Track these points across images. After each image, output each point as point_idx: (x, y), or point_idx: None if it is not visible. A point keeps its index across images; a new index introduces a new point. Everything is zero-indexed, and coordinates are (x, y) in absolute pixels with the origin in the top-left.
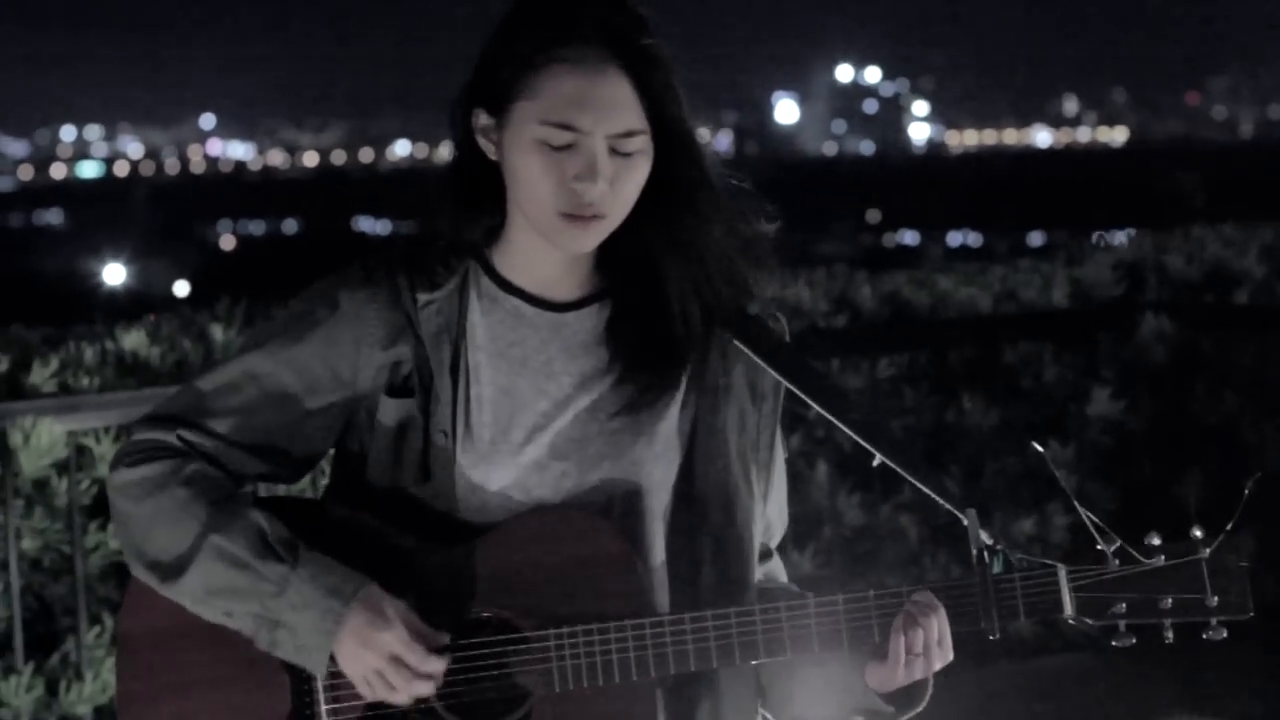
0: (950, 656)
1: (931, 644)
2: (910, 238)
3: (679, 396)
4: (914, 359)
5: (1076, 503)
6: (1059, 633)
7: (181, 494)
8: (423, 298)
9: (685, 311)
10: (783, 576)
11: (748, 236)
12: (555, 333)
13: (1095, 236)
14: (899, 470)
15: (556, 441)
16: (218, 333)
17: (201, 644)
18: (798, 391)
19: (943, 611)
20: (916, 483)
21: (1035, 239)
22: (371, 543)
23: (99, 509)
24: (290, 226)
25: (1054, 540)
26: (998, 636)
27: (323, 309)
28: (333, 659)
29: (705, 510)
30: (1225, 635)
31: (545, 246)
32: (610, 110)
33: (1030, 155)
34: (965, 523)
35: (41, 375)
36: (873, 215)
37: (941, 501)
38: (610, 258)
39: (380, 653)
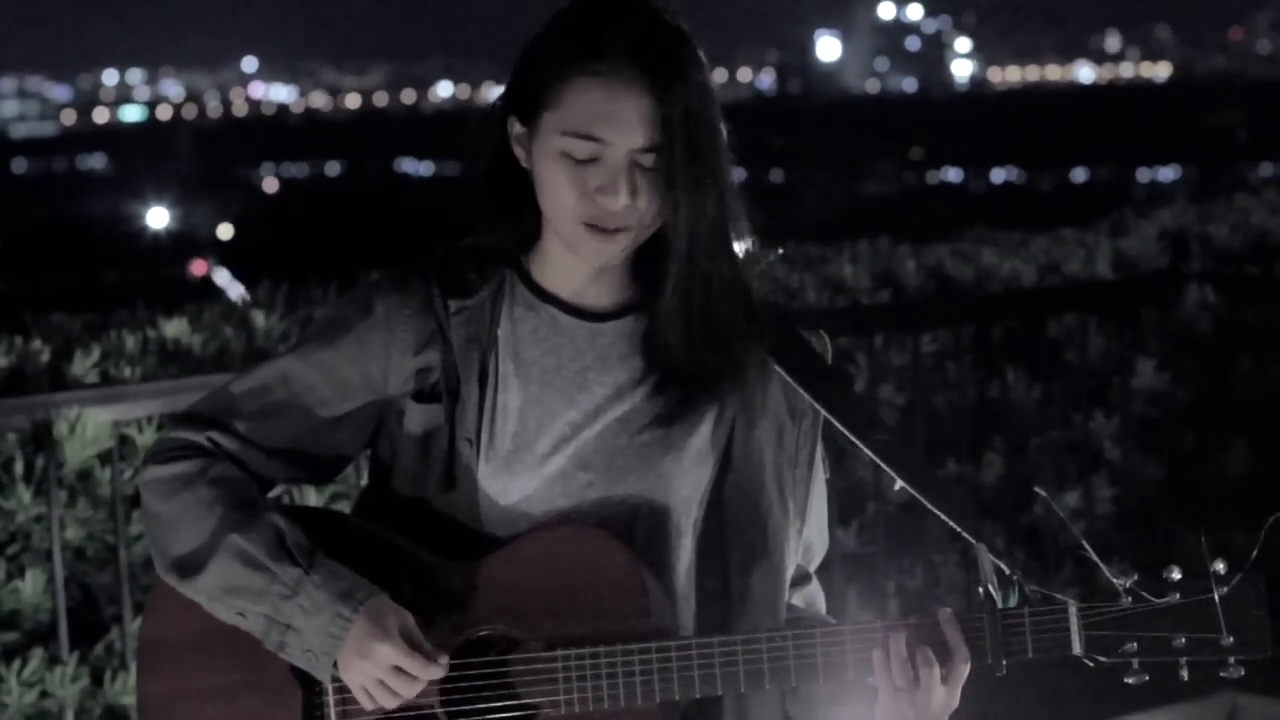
0: (954, 696)
1: (924, 685)
2: (954, 175)
3: (713, 411)
4: (958, 334)
5: (1084, 543)
6: None
7: (206, 493)
8: (454, 304)
9: (716, 325)
10: (822, 603)
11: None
12: (590, 342)
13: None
14: (919, 497)
15: (583, 452)
16: (260, 319)
17: (218, 653)
18: (826, 414)
19: (951, 651)
20: (936, 510)
21: (1079, 175)
22: (387, 555)
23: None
24: (333, 169)
25: (1099, 512)
26: (1004, 674)
27: (356, 314)
28: (336, 664)
29: (736, 527)
30: (1242, 674)
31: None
32: (632, 125)
33: (1073, 92)
34: (978, 557)
35: (83, 365)
36: (916, 153)
37: (959, 529)
38: (647, 267)
39: (378, 663)
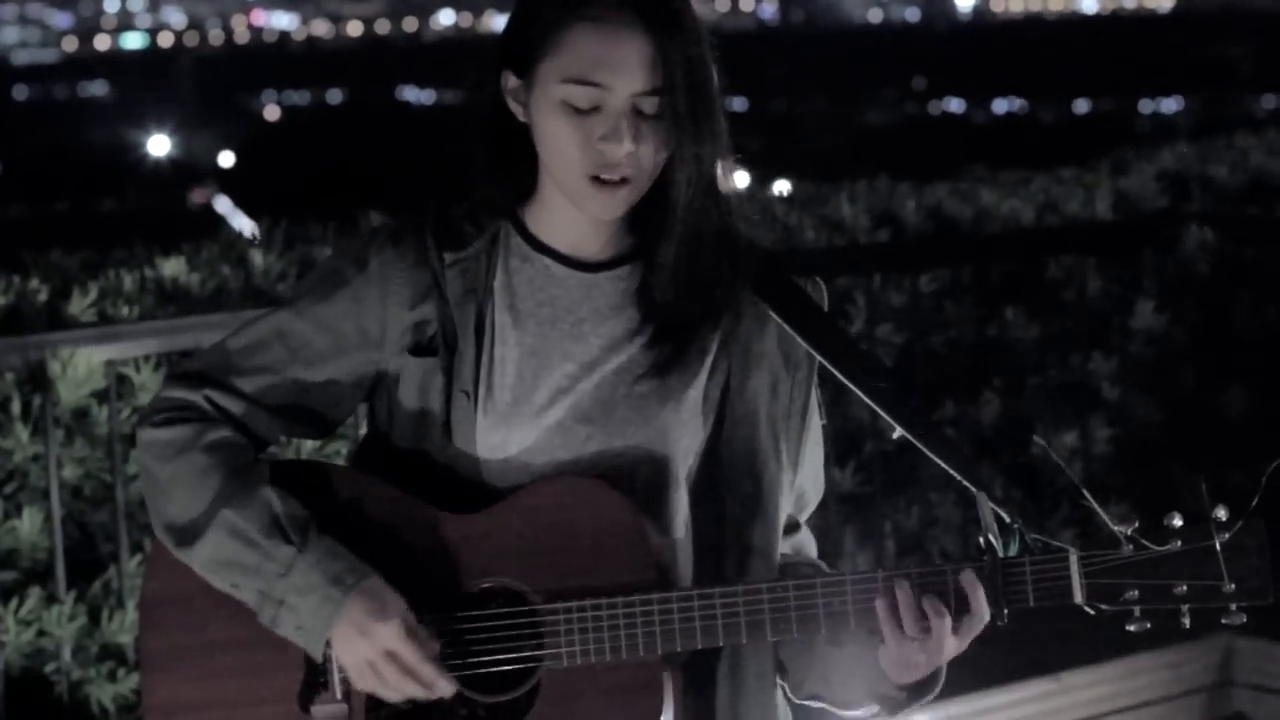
0: (964, 645)
1: (936, 634)
2: (956, 105)
3: (709, 361)
4: (956, 274)
5: (1085, 492)
6: None
7: (201, 461)
8: (449, 257)
9: (713, 274)
10: (812, 550)
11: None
12: (586, 293)
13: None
14: (918, 444)
15: (581, 404)
16: (257, 258)
17: (222, 606)
18: (824, 362)
19: (961, 598)
20: (935, 457)
21: (1081, 107)
22: (388, 509)
23: None
24: (335, 96)
25: (1097, 452)
26: (1005, 623)
27: (351, 268)
28: (329, 643)
29: (731, 478)
30: (1244, 620)
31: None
32: (633, 68)
33: (1075, 22)
34: (978, 506)
35: (80, 304)
36: (918, 83)
37: (959, 477)
38: (642, 218)
39: (374, 644)
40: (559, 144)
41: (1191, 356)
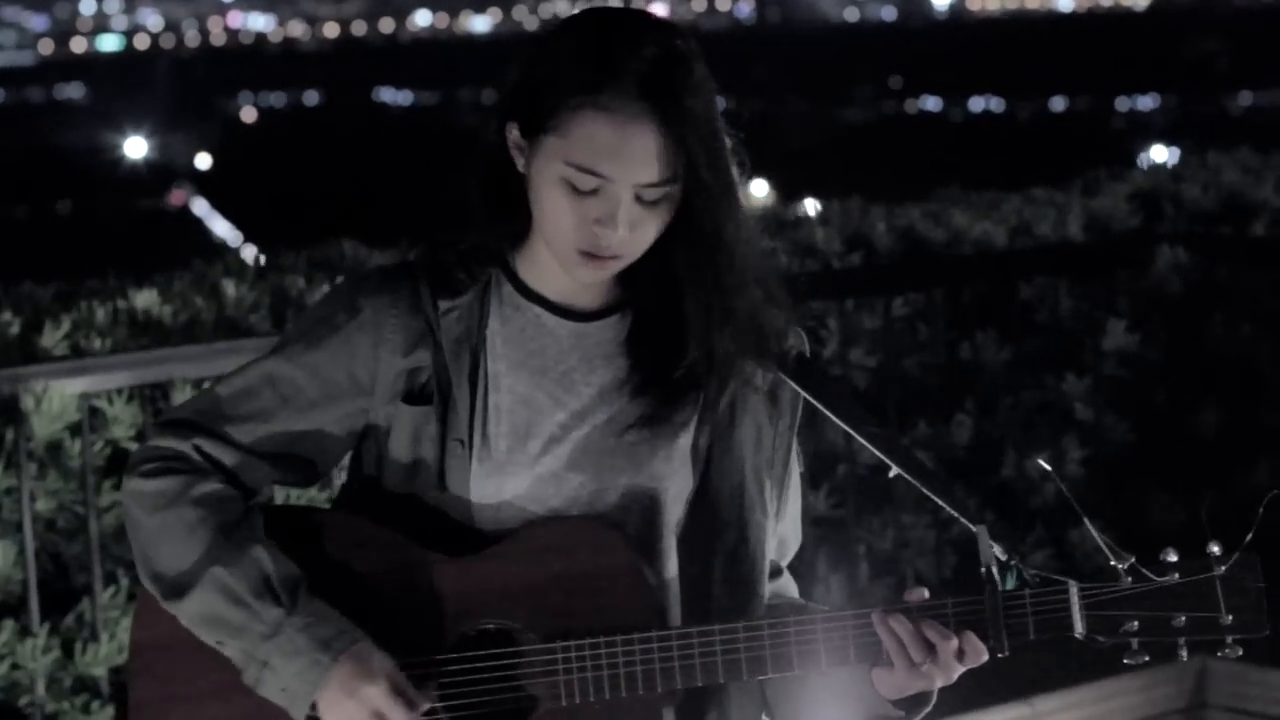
0: (960, 671)
1: (944, 658)
2: (932, 104)
3: (696, 411)
4: (929, 296)
5: (1087, 520)
6: None
7: (190, 514)
8: (444, 304)
9: (704, 334)
10: (793, 593)
11: (773, 291)
12: (575, 342)
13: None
14: (915, 483)
15: (574, 453)
16: (230, 288)
17: (212, 655)
18: (817, 405)
19: (959, 634)
20: (932, 494)
21: (1058, 104)
22: (382, 553)
23: (112, 469)
24: (311, 98)
25: (1069, 473)
26: (1006, 654)
27: (343, 313)
28: (314, 705)
29: (719, 526)
30: (1240, 654)
31: None
32: (639, 162)
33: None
34: (978, 540)
35: (53, 337)
36: (895, 81)
37: (955, 514)
38: (633, 268)
39: (362, 706)
40: (554, 216)
41: (1164, 377)
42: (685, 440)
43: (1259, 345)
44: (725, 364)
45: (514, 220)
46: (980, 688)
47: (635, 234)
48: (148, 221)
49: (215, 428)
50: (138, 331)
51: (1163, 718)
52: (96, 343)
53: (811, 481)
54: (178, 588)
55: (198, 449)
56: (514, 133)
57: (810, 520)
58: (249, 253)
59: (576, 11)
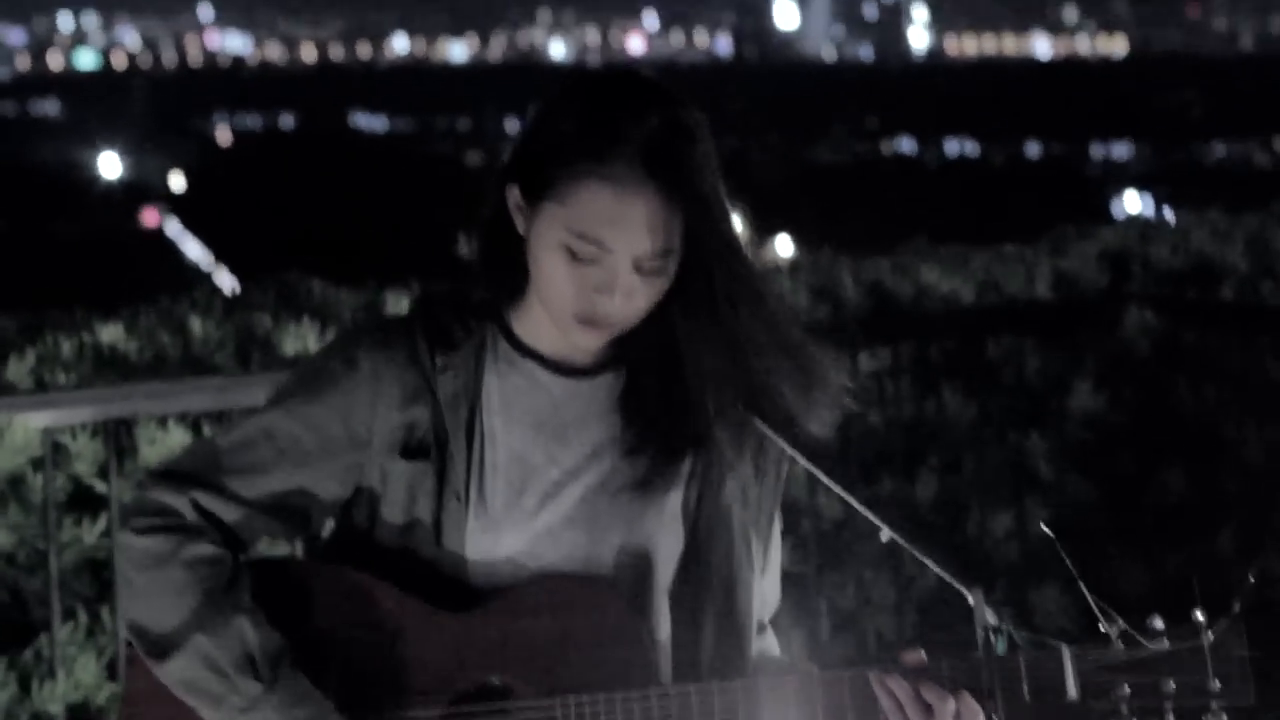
0: None
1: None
2: (908, 145)
3: (687, 469)
4: (896, 352)
5: (1082, 585)
6: None
7: (179, 577)
8: (441, 360)
9: (699, 396)
10: (775, 651)
11: (801, 349)
12: (570, 399)
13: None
14: (909, 548)
15: (569, 510)
16: (196, 326)
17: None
18: (809, 467)
19: (955, 695)
20: (924, 558)
21: (1032, 150)
22: (379, 607)
23: (74, 505)
24: (287, 122)
25: (1032, 534)
26: (1000, 719)
27: (340, 367)
28: None
29: (709, 585)
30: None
31: None
32: (639, 232)
33: (1029, 66)
34: (971, 602)
35: (18, 371)
36: (871, 122)
37: (948, 579)
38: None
39: None
40: (552, 281)
41: (1129, 439)
42: (676, 498)
43: (1224, 410)
44: (718, 425)
45: (511, 277)
46: None
47: (632, 302)
48: (120, 241)
49: (213, 480)
50: (103, 366)
51: None
52: (61, 377)
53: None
54: (161, 649)
55: (194, 503)
56: (515, 194)
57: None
58: (221, 276)
59: (583, 73)
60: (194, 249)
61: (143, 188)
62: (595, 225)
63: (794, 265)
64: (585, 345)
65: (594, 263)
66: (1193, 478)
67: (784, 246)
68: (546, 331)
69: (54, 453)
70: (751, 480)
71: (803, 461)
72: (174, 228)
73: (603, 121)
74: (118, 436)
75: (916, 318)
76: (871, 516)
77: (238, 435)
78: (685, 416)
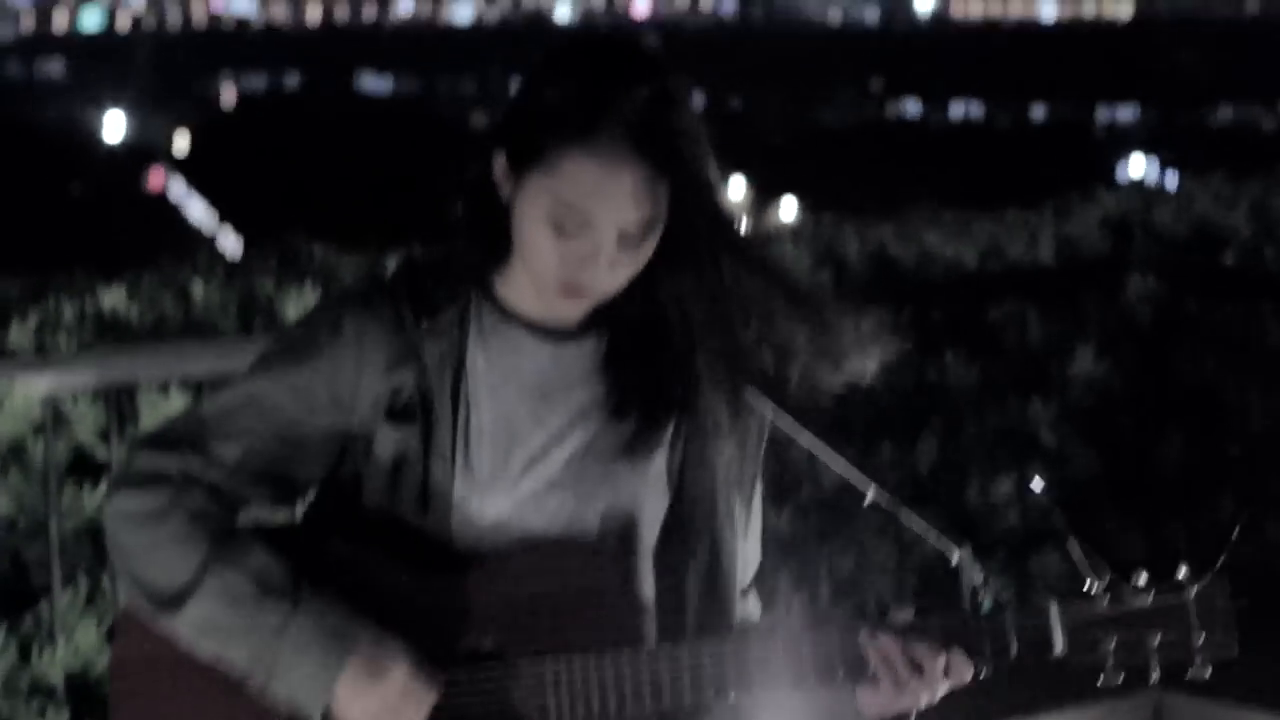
0: (944, 691)
1: (930, 676)
2: (913, 108)
3: (671, 431)
4: (897, 316)
5: (1070, 541)
6: None
7: (182, 527)
8: (425, 324)
9: (685, 358)
10: (758, 614)
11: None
12: (554, 362)
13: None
14: (891, 511)
15: (554, 474)
16: (198, 290)
17: (195, 673)
18: (797, 431)
19: (944, 652)
20: (910, 520)
21: (1038, 113)
22: (365, 573)
23: (75, 471)
24: (292, 84)
25: (1031, 501)
26: (989, 675)
27: (325, 332)
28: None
29: (693, 546)
30: (1209, 674)
31: None
32: (625, 204)
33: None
34: (957, 562)
35: (20, 335)
36: (875, 84)
37: (933, 541)
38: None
39: (391, 688)
40: (536, 250)
41: (1130, 405)
42: (661, 460)
43: (1225, 375)
44: (703, 388)
45: (496, 242)
46: (937, 715)
47: (616, 272)
48: (124, 203)
49: (199, 446)
50: (104, 330)
51: None
52: (62, 342)
53: (774, 501)
54: (175, 599)
55: (183, 467)
56: (501, 162)
57: (773, 540)
58: (226, 237)
59: (570, 39)
60: (199, 210)
61: (147, 149)
62: (581, 198)
63: (796, 230)
64: (568, 313)
65: (578, 234)
66: (1194, 443)
67: (788, 209)
68: (531, 296)
69: (55, 419)
70: (735, 443)
71: (789, 425)
72: (178, 189)
73: (590, 94)
74: (119, 402)
75: (919, 282)
76: (859, 479)
77: (222, 402)
78: (670, 379)
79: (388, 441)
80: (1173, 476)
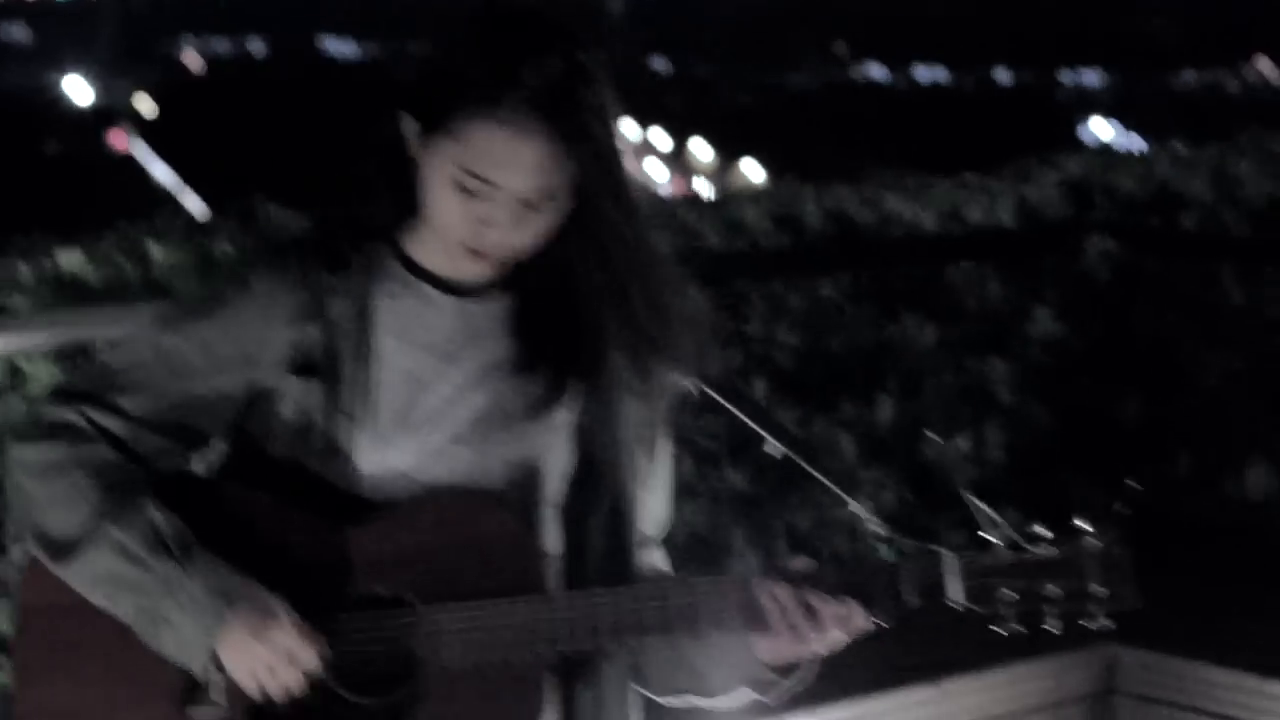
0: (841, 640)
1: (826, 624)
2: (878, 72)
3: (578, 388)
4: (857, 278)
5: (965, 493)
6: None
7: (80, 478)
8: (331, 279)
9: (592, 317)
10: (664, 565)
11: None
12: (461, 318)
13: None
14: (800, 461)
15: (458, 427)
16: (157, 252)
17: (101, 615)
18: (702, 388)
19: (839, 600)
20: (814, 472)
21: (1002, 76)
22: (268, 521)
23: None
24: (257, 48)
25: (990, 458)
26: (887, 624)
27: (233, 287)
28: (214, 657)
29: (597, 499)
30: (1108, 624)
31: None
32: (528, 172)
33: None
34: (856, 512)
35: None
36: (839, 47)
37: (835, 489)
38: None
39: (271, 647)
40: (441, 211)
41: (1089, 365)
42: (566, 416)
43: (1184, 337)
44: (609, 347)
45: (404, 200)
46: (889, 669)
47: (519, 235)
48: (88, 166)
49: (105, 397)
50: (63, 291)
51: (1071, 704)
52: (20, 302)
53: (730, 459)
54: (68, 549)
55: (87, 418)
56: (409, 124)
57: (730, 497)
58: (189, 200)
59: (484, 6)
60: (162, 173)
61: (111, 113)
62: (485, 165)
63: (757, 194)
64: (474, 273)
65: (482, 197)
66: (1152, 402)
67: (752, 170)
68: (439, 254)
69: (12, 377)
70: (641, 400)
71: (693, 384)
72: (141, 151)
73: (500, 64)
74: (76, 362)
75: (878, 244)
76: (763, 432)
77: (129, 354)
78: (578, 340)
79: (293, 395)
80: (1131, 435)
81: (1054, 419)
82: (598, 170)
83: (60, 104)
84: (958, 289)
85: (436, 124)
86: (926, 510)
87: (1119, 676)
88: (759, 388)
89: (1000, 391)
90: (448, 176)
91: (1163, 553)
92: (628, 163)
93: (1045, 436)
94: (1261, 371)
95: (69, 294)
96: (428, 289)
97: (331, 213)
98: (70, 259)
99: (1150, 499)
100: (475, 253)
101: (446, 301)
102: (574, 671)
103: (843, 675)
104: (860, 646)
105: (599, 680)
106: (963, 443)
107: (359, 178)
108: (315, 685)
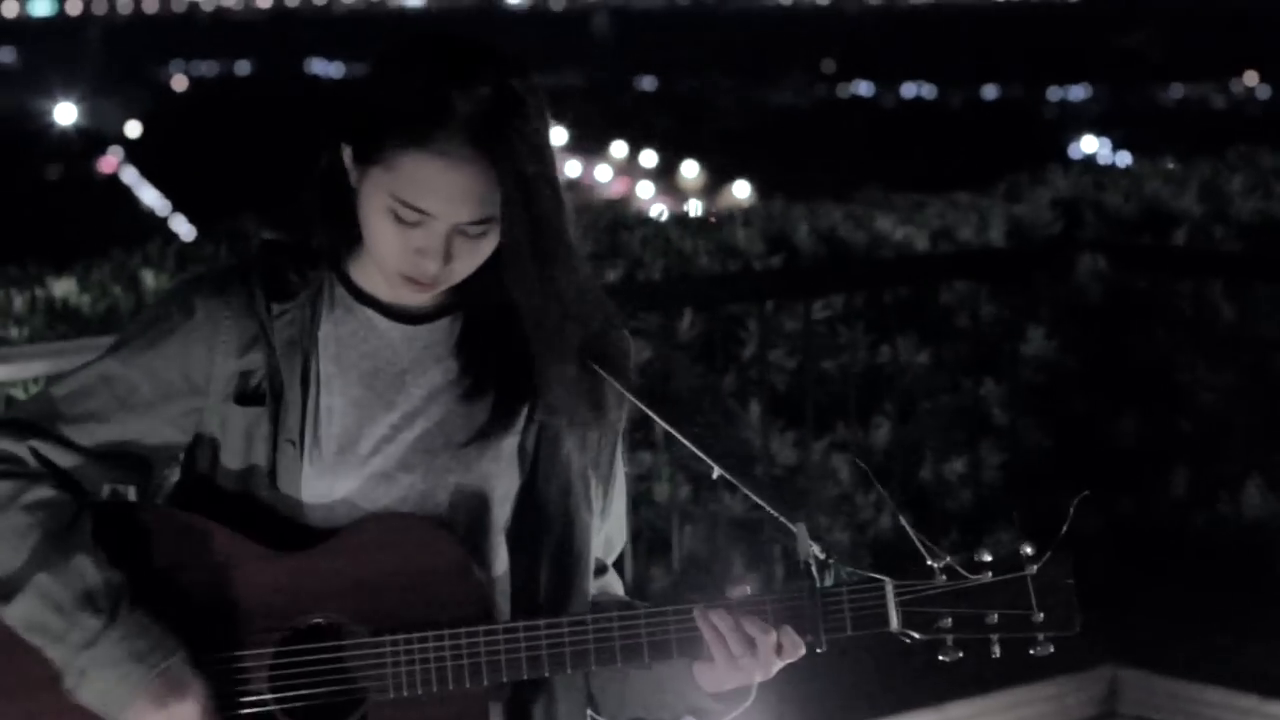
0: (778, 666)
1: (763, 652)
2: (865, 89)
3: (524, 411)
4: (850, 299)
5: (903, 521)
6: None
7: (20, 520)
8: (277, 307)
9: (538, 345)
10: (619, 590)
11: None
12: (407, 344)
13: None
14: (736, 482)
15: (404, 454)
16: (149, 279)
17: (23, 651)
18: (642, 408)
19: (777, 628)
20: (751, 493)
21: (989, 93)
22: (213, 549)
23: None
24: (243, 68)
25: (986, 479)
26: (824, 650)
27: (177, 315)
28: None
29: (546, 524)
30: (1052, 650)
31: None
32: (462, 202)
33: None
34: (796, 535)
35: None
36: (827, 65)
37: (774, 513)
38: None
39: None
40: (378, 240)
41: (1082, 384)
42: (513, 441)
43: (1177, 354)
44: (554, 371)
45: (347, 227)
46: (889, 693)
47: (456, 264)
48: (76, 190)
49: (51, 429)
50: (55, 320)
51: None
52: (14, 331)
53: (728, 483)
54: (3, 592)
55: (33, 451)
56: (347, 154)
57: (726, 521)
58: (178, 223)
59: (416, 34)
60: (151, 197)
61: (99, 136)
62: (418, 195)
63: (748, 214)
64: (416, 299)
65: (417, 226)
66: (1145, 420)
67: (741, 190)
68: (382, 279)
69: (7, 406)
70: (590, 424)
71: (640, 405)
72: (131, 175)
73: (431, 95)
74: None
75: (870, 265)
76: (701, 453)
77: (75, 384)
78: (521, 362)
79: (239, 422)
80: (1125, 454)
81: (1049, 438)
82: (524, 201)
83: (50, 129)
84: (950, 309)
85: (371, 154)
86: (926, 531)
87: (1120, 698)
88: (754, 410)
89: (994, 412)
90: (383, 206)
91: (1160, 571)
92: (561, 189)
93: (1041, 456)
94: (1256, 388)
95: (62, 322)
96: (372, 315)
97: (277, 240)
98: (63, 287)
99: (1147, 517)
100: (411, 281)
101: (391, 327)
102: (524, 700)
103: (846, 700)
104: (861, 670)
105: (553, 709)
106: (958, 464)
107: (304, 205)
108: (260, 717)
